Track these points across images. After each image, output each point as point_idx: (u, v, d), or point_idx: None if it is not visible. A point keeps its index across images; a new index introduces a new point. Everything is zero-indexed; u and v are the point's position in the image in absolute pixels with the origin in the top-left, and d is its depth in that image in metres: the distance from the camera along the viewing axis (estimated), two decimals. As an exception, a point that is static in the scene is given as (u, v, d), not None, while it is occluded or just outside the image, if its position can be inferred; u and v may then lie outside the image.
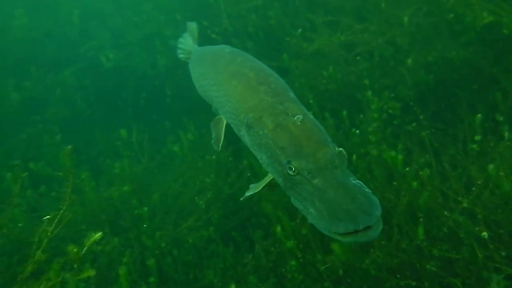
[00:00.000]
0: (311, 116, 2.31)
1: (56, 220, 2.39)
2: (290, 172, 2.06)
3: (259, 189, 2.45)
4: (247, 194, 2.48)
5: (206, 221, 3.84)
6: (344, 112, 3.35)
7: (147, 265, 3.36)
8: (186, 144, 4.43)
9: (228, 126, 2.85)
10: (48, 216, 2.43)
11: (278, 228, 2.69)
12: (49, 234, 2.36)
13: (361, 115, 3.46)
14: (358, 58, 3.95)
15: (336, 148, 2.17)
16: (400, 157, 2.73)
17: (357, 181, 2.04)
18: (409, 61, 3.53)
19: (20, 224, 4.12)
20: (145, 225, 3.65)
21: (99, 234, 2.29)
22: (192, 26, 4.22)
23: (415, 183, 2.62)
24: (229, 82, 2.70)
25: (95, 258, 3.54)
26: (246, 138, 2.48)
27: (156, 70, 6.44)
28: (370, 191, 1.98)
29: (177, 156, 4.66)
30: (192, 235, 3.62)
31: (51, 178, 4.66)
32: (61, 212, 2.42)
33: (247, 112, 2.43)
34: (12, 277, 3.53)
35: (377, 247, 2.65)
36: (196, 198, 4.13)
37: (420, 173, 2.78)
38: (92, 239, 2.26)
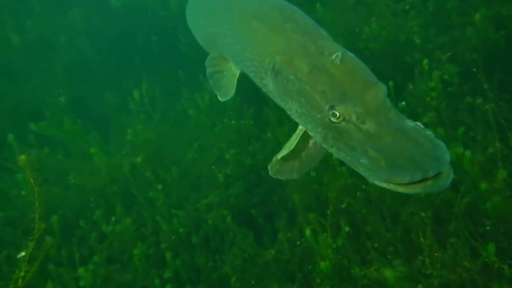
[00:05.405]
0: (351, 54, 1.98)
1: (27, 258, 1.96)
2: (334, 119, 1.80)
3: (292, 148, 2.11)
4: (278, 156, 2.14)
5: (225, 198, 3.49)
6: (391, 83, 2.76)
7: (162, 249, 3.09)
8: (204, 107, 3.94)
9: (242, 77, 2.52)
10: (23, 253, 2.01)
11: (308, 232, 2.30)
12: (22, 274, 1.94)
13: (411, 86, 2.86)
14: (407, 8, 3.23)
15: (387, 88, 1.87)
16: (468, 153, 2.20)
17: (416, 123, 1.76)
18: (478, 16, 2.82)
19: (23, 192, 3.85)
20: (159, 203, 3.32)
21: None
22: None
23: (483, 185, 2.12)
24: (248, 24, 2.36)
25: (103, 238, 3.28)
26: (271, 86, 2.18)
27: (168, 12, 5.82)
28: (433, 134, 1.71)
29: (192, 118, 4.22)
30: (211, 215, 3.29)
31: (55, 141, 4.33)
32: (31, 250, 1.96)
33: (273, 56, 2.14)
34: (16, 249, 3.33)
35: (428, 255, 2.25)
36: (213, 167, 3.76)
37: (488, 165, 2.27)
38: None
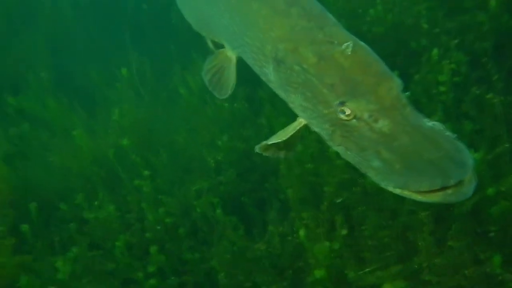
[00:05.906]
0: (363, 43, 1.79)
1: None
2: (343, 116, 1.64)
3: (285, 139, 1.96)
4: (269, 142, 1.98)
5: (216, 184, 3.34)
6: (396, 73, 2.56)
7: (147, 238, 2.96)
8: (196, 90, 3.73)
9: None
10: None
11: (302, 232, 2.17)
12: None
13: (417, 76, 2.68)
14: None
15: (402, 82, 1.69)
16: (478, 156, 2.05)
17: (434, 122, 1.60)
18: (493, 1, 2.60)
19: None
20: (146, 190, 3.16)
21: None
22: None
23: (491, 190, 1.99)
24: (248, 5, 2.12)
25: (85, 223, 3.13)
26: (272, 76, 1.99)
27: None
28: (454, 135, 1.55)
29: (184, 99, 4.01)
30: (200, 201, 3.15)
31: (36, 116, 4.11)
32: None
33: (275, 43, 1.93)
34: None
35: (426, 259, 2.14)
36: (204, 151, 3.59)
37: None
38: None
